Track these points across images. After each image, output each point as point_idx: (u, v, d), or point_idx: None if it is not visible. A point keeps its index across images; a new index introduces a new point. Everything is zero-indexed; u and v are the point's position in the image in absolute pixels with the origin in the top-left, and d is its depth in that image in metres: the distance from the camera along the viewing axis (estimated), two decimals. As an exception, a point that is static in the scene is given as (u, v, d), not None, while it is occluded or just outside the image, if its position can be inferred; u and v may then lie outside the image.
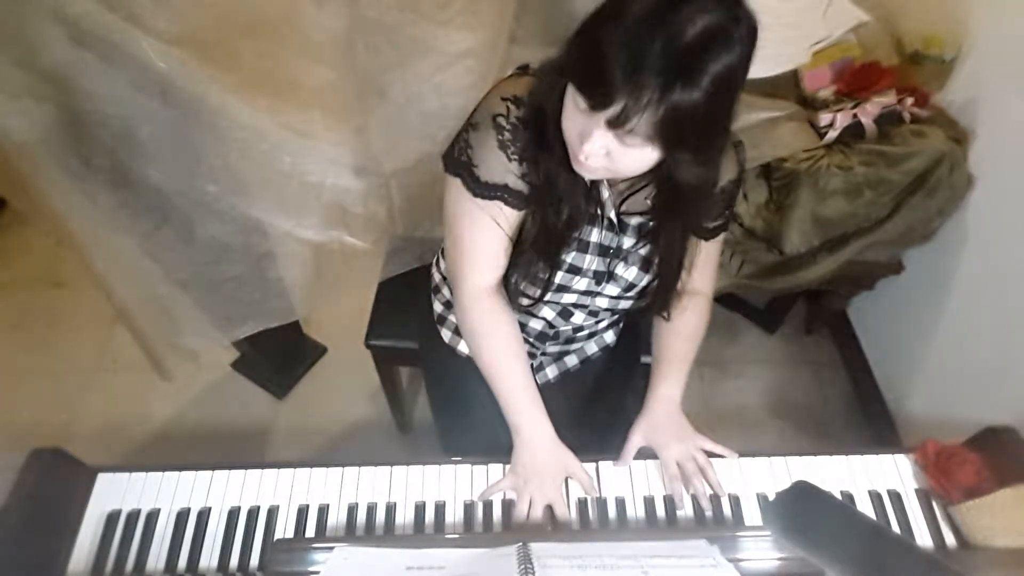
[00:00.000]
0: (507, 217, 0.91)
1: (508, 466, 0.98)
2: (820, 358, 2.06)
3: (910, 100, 1.41)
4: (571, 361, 1.21)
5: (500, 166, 0.87)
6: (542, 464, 0.96)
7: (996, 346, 1.41)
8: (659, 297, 1.02)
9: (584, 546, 0.79)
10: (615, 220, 0.95)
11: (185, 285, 1.38)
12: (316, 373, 2.04)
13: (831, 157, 1.41)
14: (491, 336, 0.99)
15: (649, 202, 0.93)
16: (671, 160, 0.77)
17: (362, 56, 1.14)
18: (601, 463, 1.00)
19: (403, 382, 1.69)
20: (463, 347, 1.19)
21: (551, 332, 1.10)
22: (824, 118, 1.42)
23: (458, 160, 0.90)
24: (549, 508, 0.94)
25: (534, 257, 0.95)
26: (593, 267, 0.99)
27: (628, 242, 0.97)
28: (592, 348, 1.21)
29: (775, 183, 1.46)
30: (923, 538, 0.93)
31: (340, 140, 1.23)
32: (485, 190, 0.89)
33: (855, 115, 1.41)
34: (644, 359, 1.28)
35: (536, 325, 1.09)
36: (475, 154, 0.88)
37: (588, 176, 0.85)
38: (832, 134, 1.42)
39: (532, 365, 1.18)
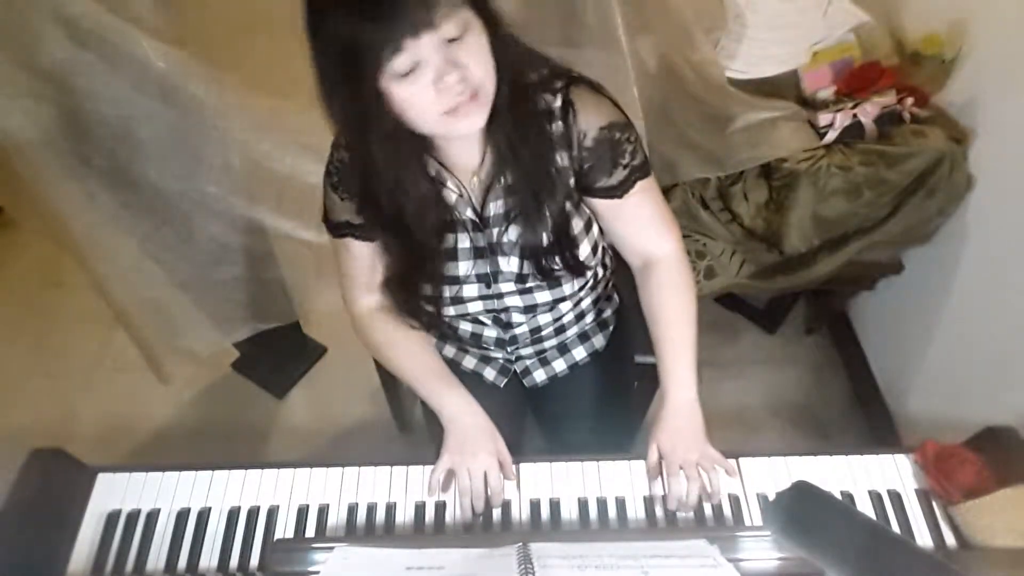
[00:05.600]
0: (361, 247, 0.98)
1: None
2: (820, 358, 2.06)
3: (910, 100, 1.41)
4: (559, 366, 1.18)
5: (338, 206, 0.95)
6: (470, 438, 0.98)
7: (996, 346, 1.41)
8: (569, 262, 0.97)
9: (584, 546, 0.79)
10: (476, 220, 0.93)
11: (185, 286, 1.38)
12: (316, 373, 2.04)
13: (831, 157, 1.41)
14: (396, 343, 1.04)
15: (502, 182, 0.90)
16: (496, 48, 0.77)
17: (362, 56, 1.14)
18: (602, 463, 1.00)
19: (403, 382, 1.68)
20: (446, 352, 1.19)
21: (507, 336, 1.09)
22: (824, 118, 1.42)
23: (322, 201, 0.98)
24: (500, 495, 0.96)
25: (411, 278, 0.97)
26: (474, 271, 0.97)
27: (495, 233, 0.94)
28: (581, 353, 1.18)
29: (775, 183, 1.46)
30: (923, 538, 0.92)
31: (340, 140, 1.23)
32: (335, 229, 0.97)
33: (855, 115, 1.41)
34: (639, 359, 1.27)
35: (490, 333, 1.09)
36: (324, 197, 0.97)
37: (475, 124, 0.79)
38: (832, 134, 1.42)
39: (516, 370, 1.18)
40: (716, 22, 1.50)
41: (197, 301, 1.41)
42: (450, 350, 1.19)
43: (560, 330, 1.12)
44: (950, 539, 0.92)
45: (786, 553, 0.82)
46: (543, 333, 1.10)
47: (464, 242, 0.95)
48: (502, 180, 0.89)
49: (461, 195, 0.92)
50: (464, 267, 0.96)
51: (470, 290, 0.98)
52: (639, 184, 0.93)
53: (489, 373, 1.18)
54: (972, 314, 1.49)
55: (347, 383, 1.97)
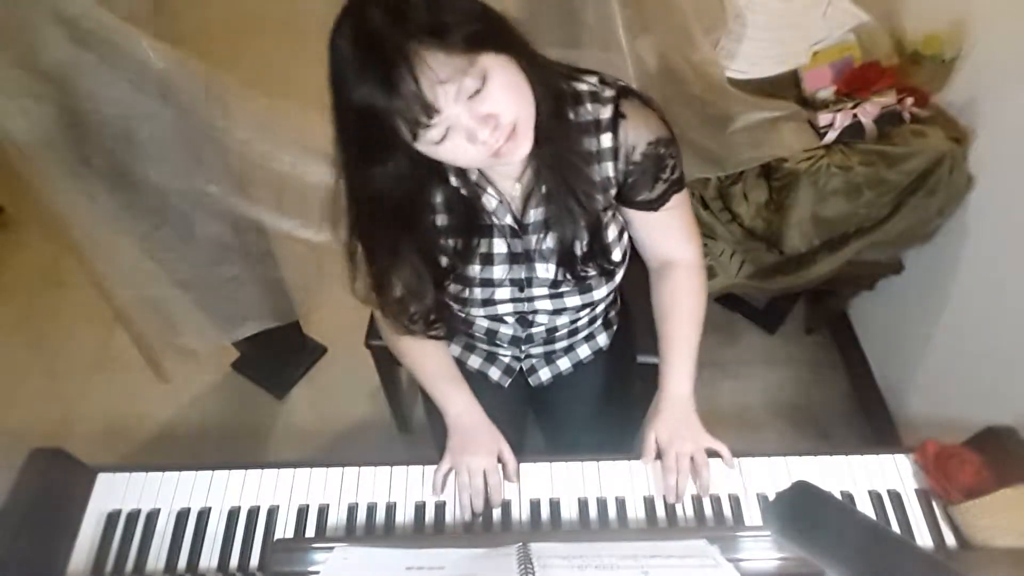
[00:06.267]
0: None
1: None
2: (820, 358, 2.06)
3: (910, 100, 1.41)
4: (563, 364, 1.18)
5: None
6: (471, 439, 1.00)
7: (996, 346, 1.41)
8: (603, 267, 0.98)
9: (584, 546, 0.79)
10: (515, 226, 0.93)
11: (185, 285, 1.38)
12: (316, 373, 2.04)
13: (831, 157, 1.41)
14: (413, 343, 1.04)
15: (544, 188, 0.90)
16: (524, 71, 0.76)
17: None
18: (602, 463, 1.00)
19: (403, 382, 1.69)
20: (452, 350, 1.19)
21: (523, 335, 1.09)
22: (824, 118, 1.42)
23: None
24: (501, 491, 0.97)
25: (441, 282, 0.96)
26: (508, 276, 0.97)
27: (533, 240, 0.94)
28: (585, 352, 1.19)
29: (775, 183, 1.46)
30: (923, 538, 0.93)
31: (340, 140, 1.23)
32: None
33: (855, 115, 1.41)
34: (641, 359, 1.27)
35: (507, 331, 1.09)
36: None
37: (522, 154, 0.78)
38: (832, 134, 1.42)
39: (522, 368, 1.18)
40: (716, 22, 1.50)
41: (197, 300, 1.41)
42: (456, 348, 1.19)
43: (574, 332, 1.13)
44: (950, 539, 0.92)
45: (786, 553, 0.82)
46: (558, 333, 1.11)
47: (501, 247, 0.95)
48: (543, 187, 0.89)
49: (501, 201, 0.91)
50: (499, 271, 0.96)
51: (502, 293, 0.98)
52: (674, 198, 0.95)
53: (494, 373, 1.18)
54: (972, 314, 1.49)
55: (347, 383, 1.97)
